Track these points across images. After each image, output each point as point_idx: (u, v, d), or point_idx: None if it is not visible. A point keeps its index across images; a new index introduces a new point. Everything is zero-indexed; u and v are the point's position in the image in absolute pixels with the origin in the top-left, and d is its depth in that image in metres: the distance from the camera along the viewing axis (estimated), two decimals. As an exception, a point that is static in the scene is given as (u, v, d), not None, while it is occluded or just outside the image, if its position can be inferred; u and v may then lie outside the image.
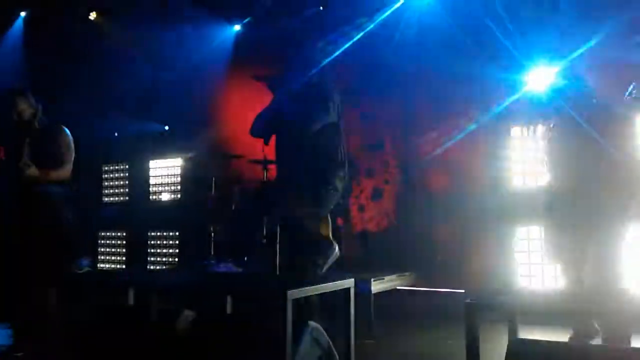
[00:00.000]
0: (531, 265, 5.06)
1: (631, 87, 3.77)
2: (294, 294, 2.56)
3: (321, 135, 3.43)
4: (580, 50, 4.48)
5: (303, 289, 2.68)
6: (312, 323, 2.78)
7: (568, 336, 3.59)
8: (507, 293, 4.38)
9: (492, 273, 5.19)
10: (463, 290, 5.08)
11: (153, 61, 7.07)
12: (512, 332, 2.83)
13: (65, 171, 3.94)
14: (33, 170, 3.69)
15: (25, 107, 3.92)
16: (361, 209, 6.41)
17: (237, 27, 7.41)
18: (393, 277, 4.84)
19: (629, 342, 3.29)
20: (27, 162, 3.69)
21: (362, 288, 4.22)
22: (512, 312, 2.86)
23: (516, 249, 5.17)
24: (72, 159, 3.99)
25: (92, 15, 7.49)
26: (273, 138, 3.70)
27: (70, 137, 4.00)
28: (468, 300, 2.51)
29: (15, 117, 3.90)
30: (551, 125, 3.84)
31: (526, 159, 5.25)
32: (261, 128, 3.62)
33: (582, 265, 3.61)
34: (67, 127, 4.04)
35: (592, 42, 4.56)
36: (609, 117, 3.60)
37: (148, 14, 6.92)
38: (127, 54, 7.31)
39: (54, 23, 7.30)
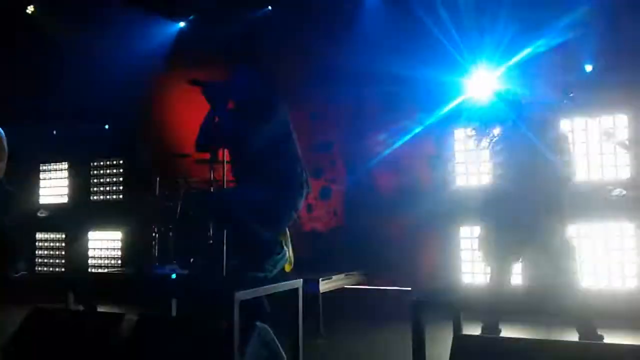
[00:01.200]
0: (474, 263, 5.20)
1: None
2: (241, 295, 2.53)
3: (278, 153, 3.30)
4: (518, 58, 4.69)
5: (251, 290, 2.65)
6: (259, 324, 2.76)
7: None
8: (452, 290, 4.47)
9: (438, 271, 5.31)
10: (410, 289, 5.17)
11: (93, 57, 6.82)
12: (457, 329, 2.90)
13: (-1, 171, 3.76)
14: None
15: None
16: (309, 208, 6.41)
17: (181, 24, 7.29)
18: (341, 276, 4.86)
19: (601, 338, 3.35)
20: None
21: (311, 288, 4.22)
22: (457, 309, 2.93)
23: (461, 247, 5.31)
24: (6, 158, 3.81)
25: (30, 9, 7.18)
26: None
27: (3, 136, 3.83)
28: (414, 299, 2.54)
29: None
30: (495, 133, 3.92)
31: (469, 160, 5.40)
32: (205, 143, 3.50)
33: (511, 267, 3.74)
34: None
35: (531, 50, 4.78)
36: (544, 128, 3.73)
37: (89, 7, 6.70)
38: (66, 49, 7.04)
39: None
